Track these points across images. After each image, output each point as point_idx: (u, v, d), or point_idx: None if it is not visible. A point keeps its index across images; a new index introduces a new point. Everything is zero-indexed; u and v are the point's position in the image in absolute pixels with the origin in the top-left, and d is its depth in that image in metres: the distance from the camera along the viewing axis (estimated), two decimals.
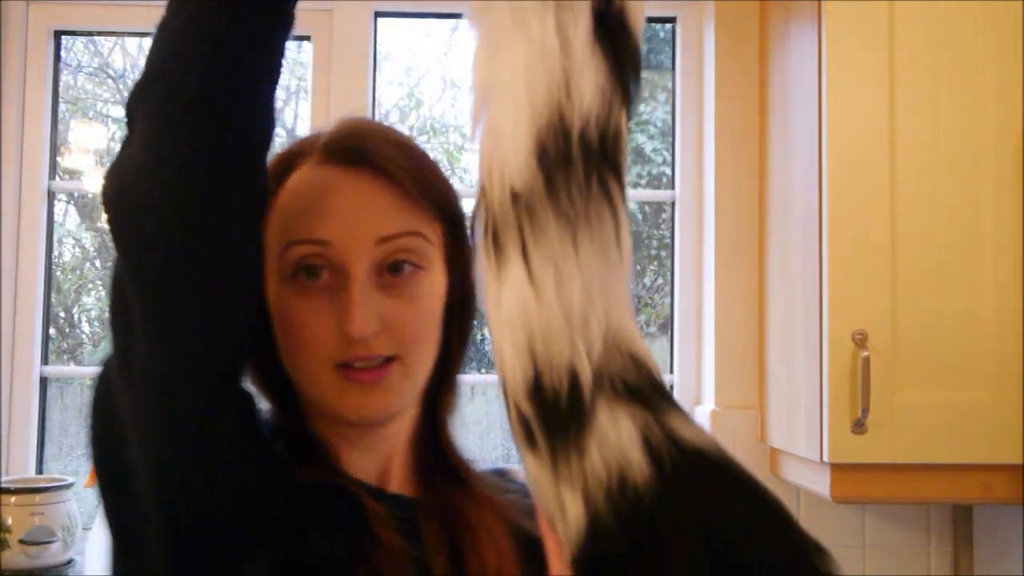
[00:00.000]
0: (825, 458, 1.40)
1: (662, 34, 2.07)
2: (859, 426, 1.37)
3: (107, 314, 0.70)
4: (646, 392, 0.57)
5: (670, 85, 1.99)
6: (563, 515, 0.56)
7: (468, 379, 1.82)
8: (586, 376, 0.55)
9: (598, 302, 0.56)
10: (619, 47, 0.57)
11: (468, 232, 0.85)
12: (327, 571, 0.75)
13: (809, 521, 1.76)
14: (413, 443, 0.88)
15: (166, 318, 0.65)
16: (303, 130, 1.89)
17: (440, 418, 0.89)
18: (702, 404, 1.87)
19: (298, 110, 2.18)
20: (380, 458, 0.85)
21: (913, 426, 1.38)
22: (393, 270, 0.80)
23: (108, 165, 0.68)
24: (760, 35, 1.82)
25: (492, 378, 1.73)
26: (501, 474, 0.96)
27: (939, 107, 1.42)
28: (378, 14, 1.92)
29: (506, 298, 0.57)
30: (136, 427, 0.68)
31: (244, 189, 0.67)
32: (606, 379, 0.56)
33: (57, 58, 1.93)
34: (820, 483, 1.46)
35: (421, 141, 2.14)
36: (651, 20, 2.04)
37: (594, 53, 0.56)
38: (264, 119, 0.68)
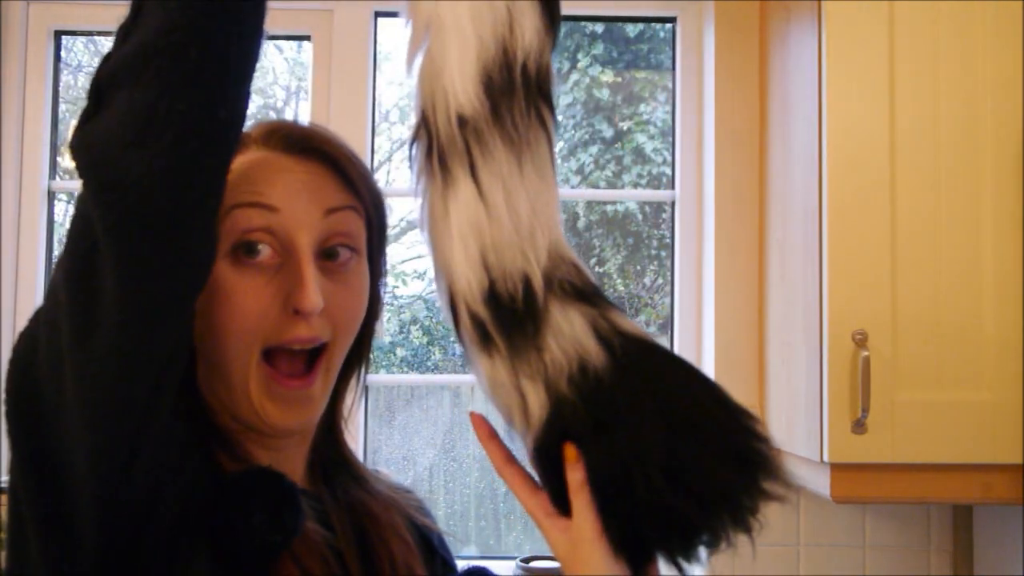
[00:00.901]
0: (825, 458, 1.40)
1: (662, 34, 2.07)
2: (859, 426, 1.37)
3: (61, 282, 0.67)
4: (589, 293, 0.65)
5: (670, 85, 1.99)
6: (524, 408, 0.63)
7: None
8: (538, 281, 0.63)
9: (541, 216, 0.63)
10: None
11: (387, 237, 0.90)
12: (258, 558, 0.75)
13: (809, 521, 1.76)
14: (312, 441, 0.89)
15: (143, 288, 0.64)
16: None
17: (336, 419, 0.92)
18: None
19: (298, 110, 2.18)
20: (281, 454, 0.86)
21: (913, 426, 1.38)
22: (330, 255, 0.81)
23: (74, 140, 0.67)
24: (760, 35, 1.82)
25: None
26: (378, 472, 0.99)
27: (939, 106, 1.42)
28: (378, 14, 1.92)
29: (455, 214, 0.63)
30: (83, 398, 0.66)
31: (224, 167, 0.67)
32: (555, 283, 0.64)
33: (57, 58, 1.93)
34: (820, 483, 1.46)
35: None
36: (651, 20, 2.04)
37: None
38: (247, 97, 0.69)
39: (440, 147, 0.64)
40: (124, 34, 0.65)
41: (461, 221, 0.63)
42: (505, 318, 0.62)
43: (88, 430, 0.66)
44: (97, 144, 0.65)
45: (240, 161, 0.81)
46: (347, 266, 0.82)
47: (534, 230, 0.63)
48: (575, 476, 0.66)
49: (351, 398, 0.92)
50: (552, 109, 0.65)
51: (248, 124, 0.85)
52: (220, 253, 0.78)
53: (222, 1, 0.64)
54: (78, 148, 0.65)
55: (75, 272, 0.66)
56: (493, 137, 0.62)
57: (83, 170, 0.65)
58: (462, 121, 0.62)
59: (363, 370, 0.92)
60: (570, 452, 0.66)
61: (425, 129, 0.66)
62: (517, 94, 0.62)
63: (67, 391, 0.66)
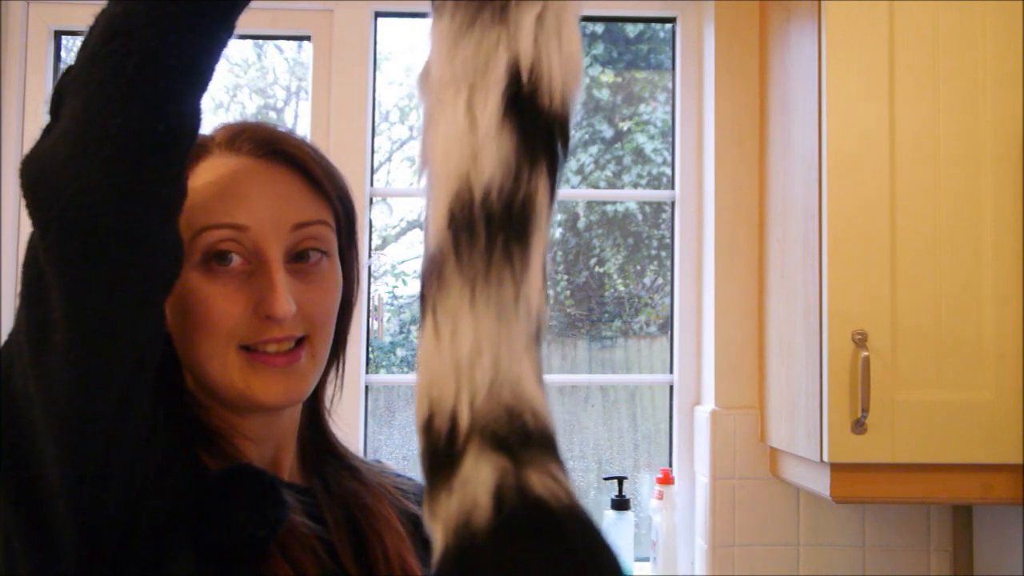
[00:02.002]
0: (825, 458, 1.40)
1: (662, 34, 2.07)
2: (859, 426, 1.37)
3: (21, 300, 0.67)
4: (514, 442, 0.61)
5: (670, 85, 1.99)
6: (434, 546, 0.61)
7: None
8: (463, 422, 0.60)
9: (487, 355, 0.61)
10: (528, 124, 0.62)
11: (358, 228, 0.91)
12: (245, 555, 0.75)
13: (809, 521, 1.76)
14: (298, 435, 0.90)
15: (88, 307, 0.64)
16: (303, 130, 1.89)
17: (321, 411, 0.93)
18: (702, 404, 1.87)
19: (298, 110, 2.18)
20: (270, 449, 0.87)
21: (913, 426, 1.38)
22: (301, 257, 0.82)
23: (24, 157, 0.66)
24: (760, 35, 1.82)
25: None
26: (379, 463, 1.00)
27: (939, 107, 1.42)
28: (378, 14, 1.92)
29: (421, 347, 0.63)
30: (47, 415, 0.66)
31: (169, 179, 0.66)
32: (478, 428, 0.61)
33: (57, 58, 1.94)
34: (820, 483, 1.46)
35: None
36: (651, 20, 2.04)
37: (502, 130, 0.62)
38: (197, 111, 0.67)
39: (422, 281, 0.65)
40: (84, 40, 0.64)
41: (421, 355, 0.63)
42: (433, 456, 0.61)
43: (55, 446, 0.67)
44: (39, 159, 0.64)
45: (205, 170, 0.82)
46: (318, 266, 0.83)
47: (474, 368, 0.61)
48: None
49: (331, 390, 0.93)
50: (527, 245, 0.62)
51: (223, 125, 0.86)
52: (190, 263, 0.79)
53: (169, 6, 0.62)
54: (24, 165, 0.65)
55: (27, 292, 0.67)
56: (451, 273, 0.62)
57: (23, 188, 0.64)
58: (431, 258, 0.62)
59: (341, 362, 0.93)
60: None
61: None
62: (477, 230, 0.61)
63: (34, 407, 0.67)
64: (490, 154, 0.61)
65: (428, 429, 0.61)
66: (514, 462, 0.61)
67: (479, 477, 0.60)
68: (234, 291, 0.79)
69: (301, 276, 0.82)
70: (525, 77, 0.62)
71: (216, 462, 0.81)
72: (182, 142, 0.66)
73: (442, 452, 0.61)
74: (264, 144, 0.83)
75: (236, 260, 0.80)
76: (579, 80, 0.65)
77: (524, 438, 0.62)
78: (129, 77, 0.61)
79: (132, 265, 0.65)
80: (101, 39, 0.62)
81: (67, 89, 0.64)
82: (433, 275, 0.62)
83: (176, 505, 0.73)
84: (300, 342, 0.81)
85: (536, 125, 0.63)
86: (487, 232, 0.61)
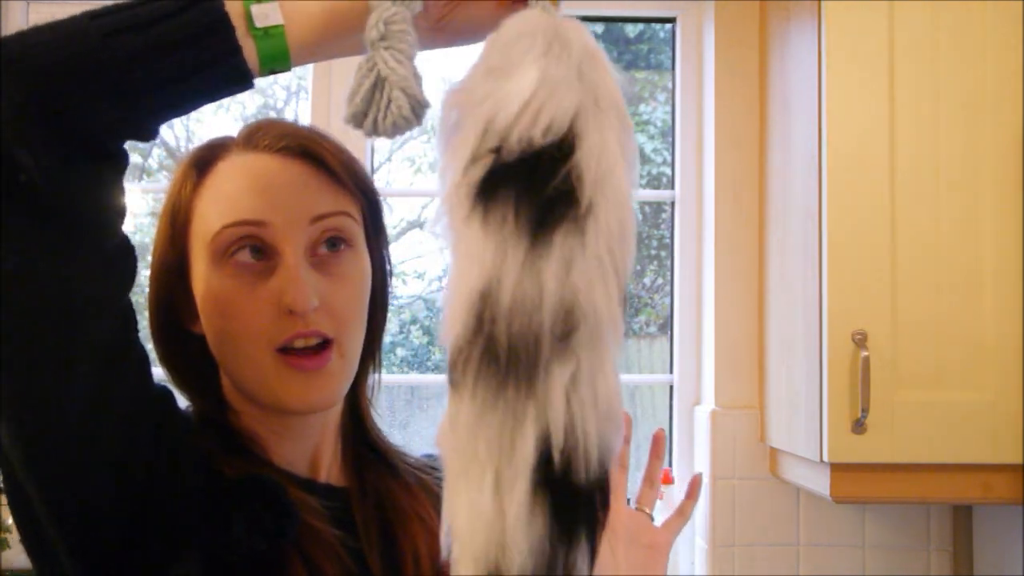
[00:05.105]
0: (825, 458, 1.40)
1: (662, 34, 2.07)
2: (859, 426, 1.37)
3: None
4: None
5: (670, 85, 1.99)
6: None
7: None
8: None
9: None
10: (563, 503, 0.57)
11: (383, 222, 0.89)
12: (256, 565, 0.75)
13: (809, 521, 1.76)
14: (340, 432, 0.89)
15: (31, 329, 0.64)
16: None
17: (362, 406, 0.91)
18: (702, 404, 1.87)
19: (298, 110, 2.18)
20: (308, 448, 0.86)
21: (913, 426, 1.38)
22: (326, 247, 0.81)
23: None
24: (760, 35, 1.82)
25: None
26: (431, 457, 0.98)
27: (939, 107, 1.42)
28: None
29: None
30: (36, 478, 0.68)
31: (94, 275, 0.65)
32: None
33: None
34: (820, 483, 1.46)
35: (421, 141, 2.14)
36: (651, 20, 2.04)
37: (533, 516, 0.56)
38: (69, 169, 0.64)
39: None
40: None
41: None
42: None
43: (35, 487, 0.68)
44: None
45: (223, 169, 0.81)
46: (341, 257, 0.82)
47: None
48: None
49: (369, 389, 0.92)
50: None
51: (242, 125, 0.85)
52: (215, 264, 0.79)
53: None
54: None
55: None
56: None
57: None
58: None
59: (377, 358, 0.92)
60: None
61: None
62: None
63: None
64: (520, 543, 0.55)
65: None
66: None
67: None
68: (258, 290, 0.78)
69: (324, 270, 0.80)
70: (557, 456, 0.56)
71: (242, 467, 0.80)
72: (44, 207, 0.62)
73: None
74: (279, 139, 0.82)
75: (256, 257, 0.79)
76: (619, 428, 0.58)
77: None
78: None
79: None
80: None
81: None
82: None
83: (188, 508, 0.73)
84: (328, 344, 0.80)
85: (573, 503, 0.57)
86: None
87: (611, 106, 0.61)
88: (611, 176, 0.60)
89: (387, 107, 0.63)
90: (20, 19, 1.87)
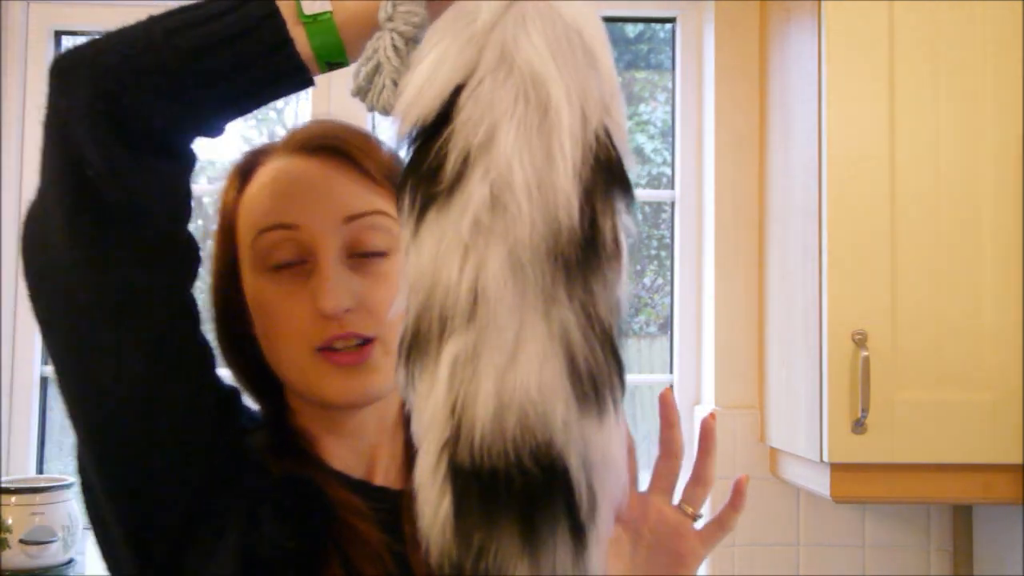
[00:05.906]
0: (825, 458, 1.40)
1: (662, 34, 2.07)
2: (859, 426, 1.37)
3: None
4: None
5: (670, 85, 1.99)
6: None
7: None
8: None
9: None
10: (466, 486, 0.59)
11: None
12: (293, 564, 0.75)
13: (809, 521, 1.76)
14: (398, 434, 0.88)
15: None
16: None
17: None
18: (702, 404, 1.87)
19: (298, 110, 2.18)
20: (365, 449, 0.86)
21: (913, 426, 1.38)
22: (362, 253, 0.81)
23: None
24: (760, 35, 1.82)
25: None
26: None
27: (939, 108, 1.42)
28: None
29: None
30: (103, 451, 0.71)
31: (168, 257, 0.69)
32: None
33: None
34: (820, 483, 1.46)
35: None
36: (651, 20, 2.04)
37: (443, 494, 0.59)
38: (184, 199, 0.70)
39: None
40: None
41: None
42: None
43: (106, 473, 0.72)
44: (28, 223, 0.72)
45: (262, 174, 0.83)
46: (381, 259, 0.82)
47: None
48: None
49: None
50: None
51: (249, 124, 0.86)
52: (256, 268, 0.81)
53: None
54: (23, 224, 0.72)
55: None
56: None
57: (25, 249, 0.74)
58: None
59: None
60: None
61: None
62: None
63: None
64: (437, 529, 0.61)
65: None
66: None
67: None
68: (297, 292, 0.79)
69: (363, 270, 0.81)
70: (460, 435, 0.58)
71: (290, 467, 0.81)
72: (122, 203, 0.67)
73: None
74: (312, 139, 0.83)
75: (295, 260, 0.80)
76: (543, 416, 0.58)
77: None
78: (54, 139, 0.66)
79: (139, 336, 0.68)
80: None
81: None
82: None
83: (238, 506, 0.74)
84: (370, 341, 0.80)
85: (478, 485, 0.59)
86: None
87: (529, 60, 0.60)
88: (491, 144, 0.59)
89: (380, 92, 0.66)
90: (20, 19, 1.87)
